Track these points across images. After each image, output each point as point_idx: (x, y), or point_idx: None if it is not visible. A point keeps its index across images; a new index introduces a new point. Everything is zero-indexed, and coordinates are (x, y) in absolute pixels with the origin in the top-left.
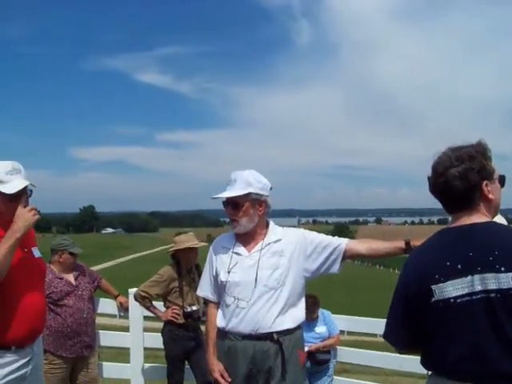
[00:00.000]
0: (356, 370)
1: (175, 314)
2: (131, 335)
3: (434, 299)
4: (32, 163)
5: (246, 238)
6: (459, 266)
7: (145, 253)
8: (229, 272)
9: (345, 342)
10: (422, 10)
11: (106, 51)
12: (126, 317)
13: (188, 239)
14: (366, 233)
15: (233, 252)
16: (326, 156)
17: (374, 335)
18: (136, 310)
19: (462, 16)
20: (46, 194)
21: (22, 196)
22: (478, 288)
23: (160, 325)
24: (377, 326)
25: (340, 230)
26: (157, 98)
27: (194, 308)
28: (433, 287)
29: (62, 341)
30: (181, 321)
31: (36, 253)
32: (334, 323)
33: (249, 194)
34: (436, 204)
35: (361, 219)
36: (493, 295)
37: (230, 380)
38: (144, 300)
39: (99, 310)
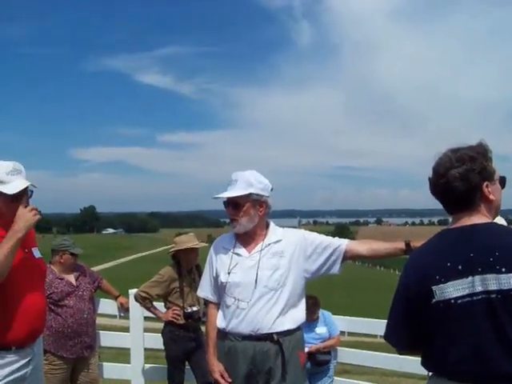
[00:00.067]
0: (356, 370)
1: (176, 314)
2: (131, 336)
3: (434, 300)
4: (32, 164)
5: (247, 239)
6: (460, 267)
7: (145, 253)
8: (229, 273)
9: (345, 343)
10: (422, 11)
11: (106, 52)
12: (127, 317)
13: (188, 240)
14: (367, 233)
15: (233, 253)
16: (326, 157)
17: (375, 336)
18: (136, 311)
19: (463, 16)
20: (47, 194)
21: (22, 197)
22: (479, 289)
23: (160, 325)
24: (377, 326)
25: (340, 231)
26: (157, 98)
27: (195, 309)
28: (433, 288)
29: (63, 341)
30: (181, 321)
31: (36, 253)
32: (334, 324)
33: (250, 195)
34: (437, 205)
35: (361, 220)
36: (493, 296)
37: (230, 380)
38: (144, 300)
39: (100, 311)
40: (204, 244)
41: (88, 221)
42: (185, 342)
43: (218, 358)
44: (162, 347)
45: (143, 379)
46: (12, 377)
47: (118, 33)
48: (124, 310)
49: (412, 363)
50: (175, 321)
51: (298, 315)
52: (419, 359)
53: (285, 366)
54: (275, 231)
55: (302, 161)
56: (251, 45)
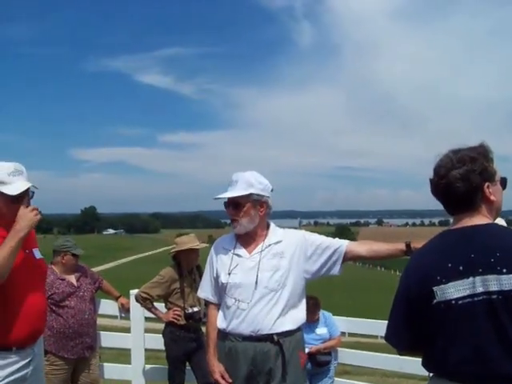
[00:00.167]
0: (357, 371)
1: (176, 315)
2: (132, 336)
3: (435, 301)
4: (33, 164)
5: (247, 240)
6: (461, 268)
7: (146, 254)
8: (229, 274)
9: (346, 344)
10: (423, 11)
11: (106, 52)
12: (127, 318)
13: (189, 240)
14: (367, 234)
15: (233, 253)
16: (327, 157)
17: (375, 337)
18: (137, 311)
19: (463, 17)
20: (47, 195)
21: (23, 197)
22: (480, 289)
23: (161, 326)
24: (378, 327)
25: (341, 232)
26: (158, 98)
27: (195, 309)
28: (434, 289)
29: (64, 342)
30: (182, 322)
31: (37, 254)
32: (334, 325)
33: (250, 195)
34: (437, 206)
35: (362, 221)
36: (494, 297)
37: (230, 381)
38: (145, 301)
39: (100, 311)
40: (205, 245)
41: (89, 221)
42: (185, 342)
43: (218, 358)
44: (163, 348)
45: (144, 380)
46: (13, 377)
47: (118, 33)
48: (125, 310)
49: (412, 364)
50: (176, 321)
51: (298, 316)
52: (420, 360)
53: (285, 367)
54: (275, 232)
55: (302, 161)
56: (252, 45)
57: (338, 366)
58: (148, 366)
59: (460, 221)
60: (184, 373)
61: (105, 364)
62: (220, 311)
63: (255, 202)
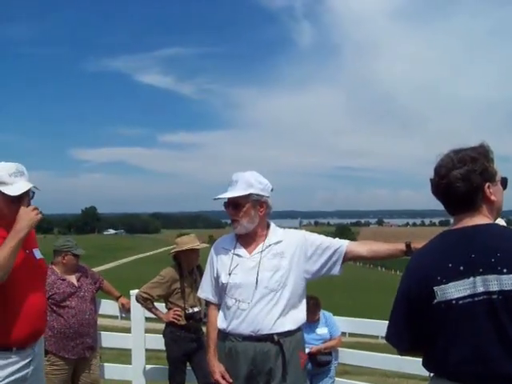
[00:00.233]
0: (357, 371)
1: (177, 315)
2: (133, 336)
3: (436, 301)
4: (33, 164)
5: (247, 240)
6: (461, 268)
7: (147, 254)
8: (230, 274)
9: (346, 344)
10: (423, 11)
11: (107, 52)
12: (128, 318)
13: (190, 240)
14: (368, 234)
15: (234, 254)
16: (327, 157)
17: (376, 337)
18: (137, 312)
19: (463, 17)
20: (48, 195)
21: (24, 198)
22: (480, 289)
23: (162, 326)
24: (378, 327)
25: (341, 232)
26: (158, 98)
27: (196, 309)
28: (435, 289)
29: (65, 342)
30: (182, 322)
31: (37, 254)
32: (335, 325)
33: (250, 195)
34: (438, 206)
35: (362, 221)
36: (495, 297)
37: (231, 381)
38: (146, 301)
39: (101, 311)
40: (205, 245)
41: (89, 221)
42: (186, 342)
43: (218, 358)
44: (163, 348)
45: (144, 380)
46: (13, 377)
47: (118, 33)
48: (125, 310)
49: (413, 364)
50: (176, 322)
51: (298, 316)
52: (420, 360)
53: (285, 367)
54: (276, 232)
55: (302, 161)
56: (252, 45)
57: (339, 366)
58: (148, 367)
59: (461, 221)
60: (184, 373)
61: (105, 364)
62: (220, 311)
63: (255, 202)
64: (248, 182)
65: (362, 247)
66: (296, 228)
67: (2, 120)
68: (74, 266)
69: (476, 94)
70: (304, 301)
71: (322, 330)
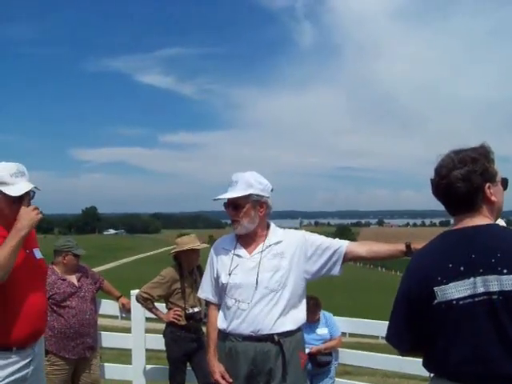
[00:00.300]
0: (357, 371)
1: (177, 315)
2: (133, 336)
3: (436, 301)
4: (34, 164)
5: (247, 240)
6: (462, 268)
7: (147, 254)
8: (230, 274)
9: (346, 344)
10: (423, 11)
11: (107, 52)
12: (128, 318)
13: (190, 241)
14: (368, 235)
15: (234, 254)
16: (327, 157)
17: (376, 337)
18: (138, 312)
19: (464, 17)
20: (48, 195)
21: (24, 198)
22: (481, 290)
23: (162, 326)
24: (379, 328)
25: (342, 232)
26: (159, 99)
27: (196, 309)
28: (435, 289)
29: (65, 342)
30: (183, 322)
31: (37, 254)
32: (335, 325)
33: (250, 196)
34: (438, 206)
35: (363, 221)
36: (495, 297)
37: (231, 381)
38: (146, 301)
39: (101, 311)
40: (205, 245)
41: (89, 221)
42: (186, 342)
43: (218, 358)
44: (164, 348)
45: (144, 380)
46: (13, 377)
47: (118, 33)
48: (125, 310)
49: (413, 364)
50: (177, 322)
51: (298, 316)
52: (420, 360)
53: (285, 367)
54: (276, 232)
55: (302, 161)
56: (253, 45)
57: (339, 367)
58: (149, 367)
59: (461, 221)
60: (185, 373)
61: (105, 364)
62: (220, 311)
63: (255, 202)
64: (248, 183)
65: (361, 248)
66: (296, 228)
67: (2, 120)
68: (74, 266)
69: (476, 94)
70: (304, 301)
71: (322, 331)
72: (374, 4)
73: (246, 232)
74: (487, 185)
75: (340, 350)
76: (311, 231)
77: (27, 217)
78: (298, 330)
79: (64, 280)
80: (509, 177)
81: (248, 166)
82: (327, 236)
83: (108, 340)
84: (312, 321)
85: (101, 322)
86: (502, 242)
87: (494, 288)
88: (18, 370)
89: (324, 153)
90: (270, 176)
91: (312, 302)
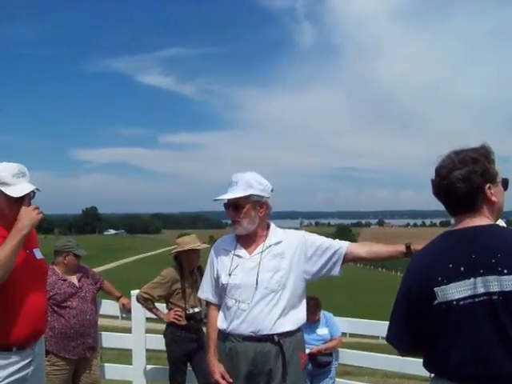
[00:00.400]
0: (358, 372)
1: (177, 315)
2: (133, 337)
3: (436, 301)
4: (34, 164)
5: (247, 240)
6: (462, 269)
7: (147, 254)
8: (230, 274)
9: (347, 344)
10: (423, 11)
11: (108, 53)
12: (129, 318)
13: (190, 241)
14: (369, 235)
15: (234, 254)
16: (327, 157)
17: (376, 337)
18: (138, 312)
19: (464, 17)
20: (49, 195)
21: (25, 198)
22: (481, 290)
23: (162, 326)
24: (379, 328)
25: (342, 232)
26: (159, 99)
27: (197, 310)
28: (436, 289)
29: (66, 342)
30: (183, 322)
31: (38, 254)
32: (335, 325)
33: (250, 196)
34: (438, 206)
35: (363, 221)
36: (495, 297)
37: (231, 381)
38: (146, 302)
39: (101, 312)
40: (206, 245)
41: (90, 222)
42: (186, 343)
43: (218, 358)
44: (164, 348)
45: (145, 380)
46: (13, 378)
47: (119, 34)
48: (126, 311)
49: (413, 365)
50: (177, 322)
51: (298, 316)
52: (421, 361)
53: (285, 367)
54: (276, 232)
55: (303, 161)
56: (253, 46)
57: (339, 367)
58: (149, 367)
59: (461, 222)
60: (185, 373)
61: (106, 364)
62: (220, 312)
63: (255, 202)
64: (248, 183)
65: (361, 249)
66: (297, 228)
67: (2, 120)
68: (75, 267)
69: (476, 94)
70: (304, 301)
71: (322, 331)
72: (373, 4)
73: (246, 232)
74: (488, 185)
75: (340, 350)
76: (311, 231)
77: (28, 216)
78: (298, 330)
79: (65, 280)
80: (509, 177)
81: (248, 167)
82: (327, 236)
83: (108, 340)
84: (312, 321)
85: (101, 322)
86: (502, 243)
87: (495, 288)
88: (19, 371)
89: (324, 153)
90: (270, 176)
91: (312, 302)
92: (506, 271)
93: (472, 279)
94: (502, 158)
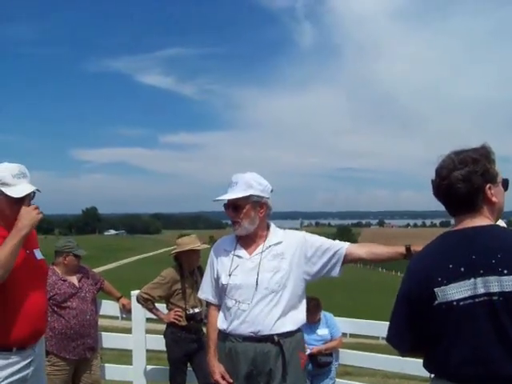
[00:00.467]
0: (358, 372)
1: (178, 316)
2: (133, 337)
3: (436, 302)
4: (34, 164)
5: (247, 241)
6: (462, 269)
7: (147, 255)
8: (230, 275)
9: (347, 345)
10: (423, 11)
11: (108, 53)
12: (129, 319)
13: (190, 241)
14: (369, 235)
15: (234, 255)
16: (328, 158)
17: (377, 338)
18: (138, 312)
19: (464, 17)
20: (49, 195)
21: (25, 198)
22: (481, 291)
23: (162, 327)
24: (379, 328)
25: (342, 233)
26: (159, 99)
27: (197, 310)
28: (436, 290)
29: (66, 342)
30: (183, 323)
31: (38, 254)
32: (336, 325)
33: (250, 196)
34: (439, 206)
35: (363, 222)
36: (495, 298)
37: (231, 381)
38: (146, 302)
39: (101, 312)
40: (206, 245)
41: (90, 222)
42: (187, 343)
43: (218, 359)
44: (164, 349)
45: (145, 380)
46: (13, 378)
47: (119, 34)
48: (126, 311)
49: (414, 365)
50: (177, 322)
51: (298, 317)
52: (421, 361)
53: (285, 367)
54: (276, 233)
55: (303, 162)
56: (253, 46)
57: (340, 367)
58: (149, 367)
59: (461, 222)
60: (185, 374)
61: (106, 365)
62: (220, 312)
63: (255, 203)
64: (248, 183)
65: (361, 250)
66: (297, 229)
67: (2, 120)
68: (75, 267)
69: (476, 94)
70: (304, 301)
71: (322, 331)
72: (373, 4)
73: (246, 233)
74: (488, 185)
75: (340, 350)
76: (312, 232)
77: (28, 216)
78: (298, 330)
79: (65, 281)
80: (509, 177)
81: (248, 167)
82: (328, 237)
83: (108, 341)
84: (313, 321)
85: (101, 322)
86: (502, 243)
87: (495, 289)
88: (19, 371)
89: (324, 153)
90: (270, 176)
91: (313, 302)
92: (506, 272)
93: (472, 280)
94: (502, 158)
